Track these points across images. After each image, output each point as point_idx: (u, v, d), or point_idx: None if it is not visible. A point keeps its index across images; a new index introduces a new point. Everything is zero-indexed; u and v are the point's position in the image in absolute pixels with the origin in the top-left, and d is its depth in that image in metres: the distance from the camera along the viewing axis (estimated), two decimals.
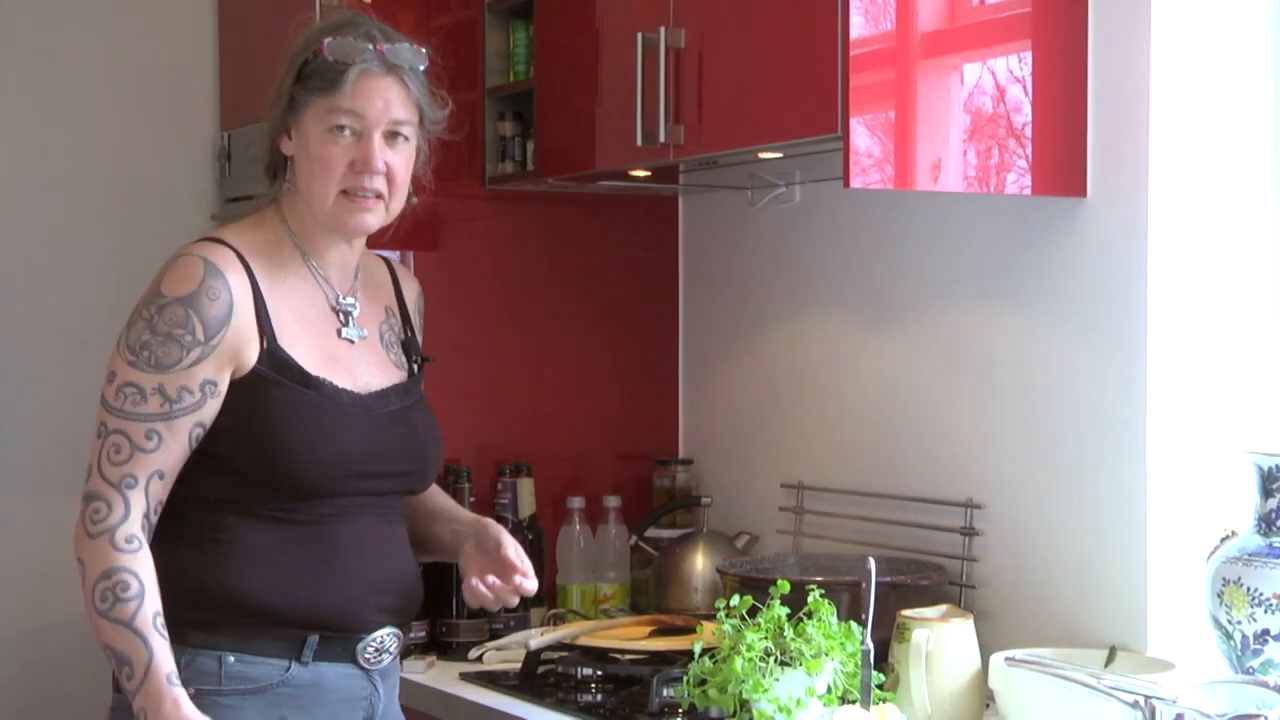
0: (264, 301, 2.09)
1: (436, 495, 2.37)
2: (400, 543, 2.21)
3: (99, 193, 3.60)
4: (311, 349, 2.12)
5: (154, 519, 2.04)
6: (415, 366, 2.28)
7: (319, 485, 2.10)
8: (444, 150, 3.12)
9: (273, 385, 2.08)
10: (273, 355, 2.08)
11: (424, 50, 2.18)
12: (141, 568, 1.99)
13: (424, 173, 2.23)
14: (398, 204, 2.17)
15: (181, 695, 1.97)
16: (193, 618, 2.05)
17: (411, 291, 2.36)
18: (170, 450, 2.03)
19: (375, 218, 2.15)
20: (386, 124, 2.12)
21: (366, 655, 2.14)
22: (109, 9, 3.60)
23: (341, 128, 2.10)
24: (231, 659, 2.07)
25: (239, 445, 2.07)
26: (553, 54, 3.00)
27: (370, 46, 2.11)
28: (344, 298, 2.19)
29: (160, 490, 2.04)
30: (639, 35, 2.66)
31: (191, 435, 2.05)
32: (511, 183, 3.13)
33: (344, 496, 2.12)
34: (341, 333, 2.17)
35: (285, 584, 2.08)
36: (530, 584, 2.17)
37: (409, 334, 2.31)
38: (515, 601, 2.19)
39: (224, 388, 2.06)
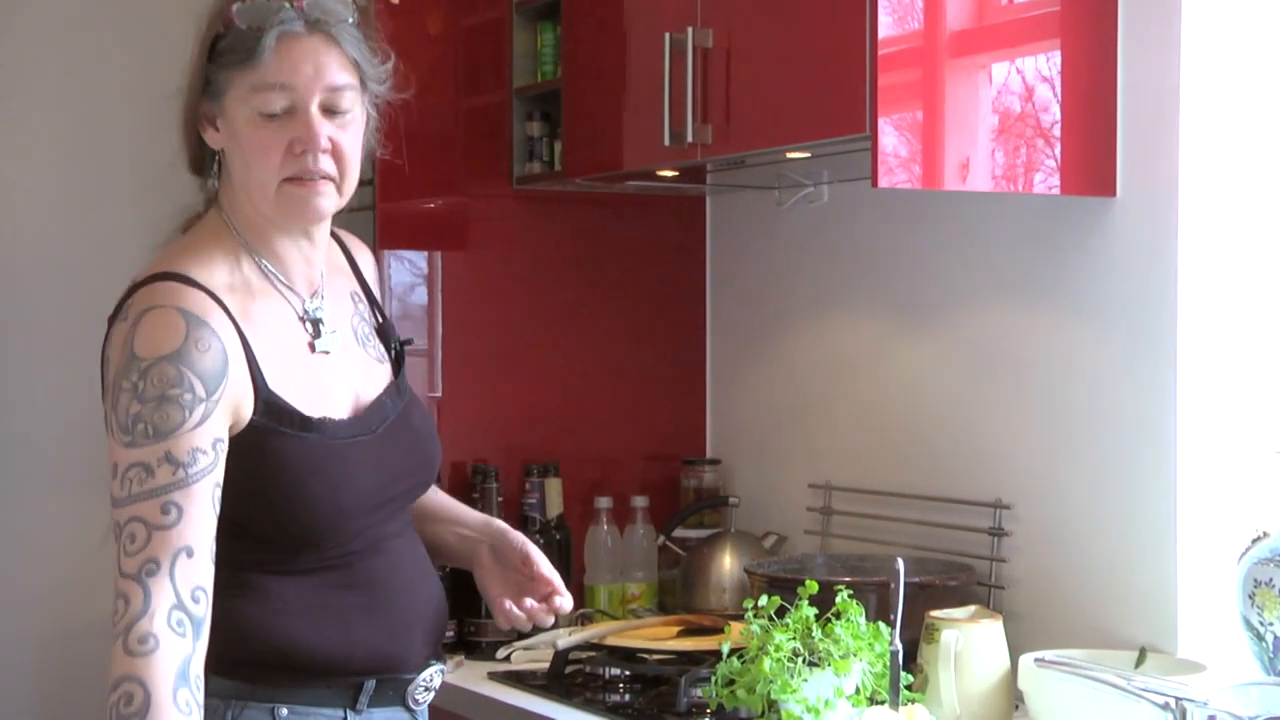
0: (248, 343, 1.85)
1: (433, 493, 2.16)
2: (427, 561, 2.06)
3: (125, 193, 3.61)
4: (297, 382, 1.89)
5: (195, 605, 1.73)
6: (395, 354, 2.07)
7: (344, 530, 1.91)
8: (471, 150, 3.17)
9: (275, 437, 1.85)
10: (269, 404, 1.85)
11: None
12: (154, 672, 1.68)
13: (376, 143, 1.98)
14: (351, 183, 1.91)
15: None
16: (243, 669, 1.87)
17: (368, 265, 2.12)
18: (193, 521, 1.74)
19: (329, 201, 1.88)
20: (322, 91, 1.84)
21: (416, 696, 1.99)
22: (137, 9, 3.62)
23: (271, 106, 1.83)
24: (285, 711, 1.89)
25: (250, 506, 1.85)
26: (580, 54, 3.00)
27: (286, 4, 1.83)
28: (309, 303, 1.95)
29: (194, 571, 1.74)
30: (667, 35, 2.66)
31: (214, 499, 1.77)
32: (539, 183, 3.14)
33: (369, 529, 1.94)
34: (315, 347, 1.94)
35: (340, 632, 1.90)
36: (568, 603, 2.03)
37: (379, 318, 2.09)
38: (550, 622, 2.05)
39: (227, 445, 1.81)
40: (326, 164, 1.86)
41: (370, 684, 1.93)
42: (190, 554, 1.74)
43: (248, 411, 1.84)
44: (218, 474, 1.78)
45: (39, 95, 3.51)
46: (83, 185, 3.57)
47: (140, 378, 1.76)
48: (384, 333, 2.08)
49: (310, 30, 1.85)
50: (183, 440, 1.75)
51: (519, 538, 2.08)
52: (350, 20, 1.88)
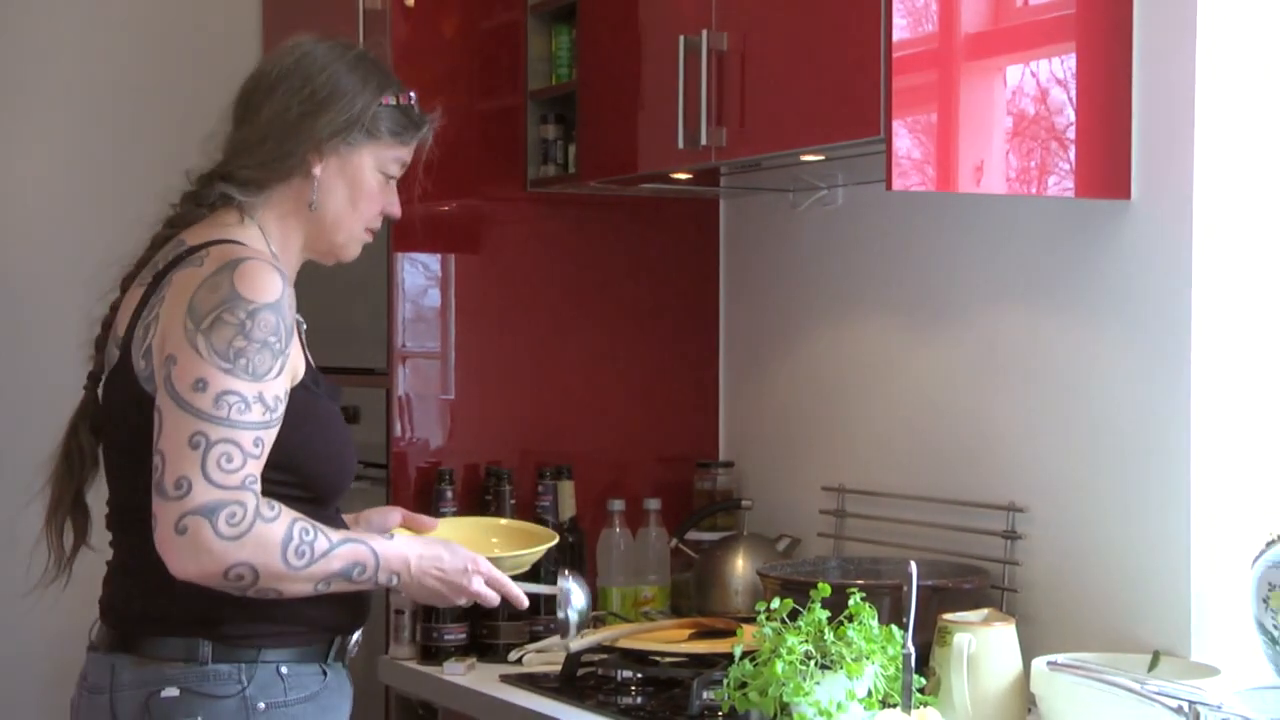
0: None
1: None
2: None
3: (139, 196, 3.62)
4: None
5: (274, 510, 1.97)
6: None
7: (346, 488, 2.13)
8: (486, 153, 3.18)
9: (315, 397, 2.07)
10: (310, 367, 2.09)
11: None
12: (297, 515, 1.95)
13: None
14: None
15: (408, 541, 2.08)
16: (240, 632, 2.02)
17: None
18: (265, 457, 1.96)
19: None
20: None
21: (350, 652, 2.16)
22: (152, 10, 3.63)
23: (393, 173, 2.17)
24: (285, 669, 2.04)
25: (297, 457, 2.02)
26: (595, 57, 3.01)
27: (430, 120, 2.21)
28: None
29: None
30: (681, 38, 2.66)
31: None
32: (553, 185, 3.14)
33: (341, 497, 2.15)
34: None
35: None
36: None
37: None
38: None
39: None
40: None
41: (338, 641, 2.11)
42: (259, 481, 1.95)
43: (300, 371, 2.05)
44: (280, 425, 1.99)
45: (39, 96, 3.52)
46: (99, 191, 3.58)
47: (248, 317, 1.94)
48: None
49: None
50: (271, 386, 1.95)
51: (383, 512, 2.31)
52: None
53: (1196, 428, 2.37)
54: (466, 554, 2.11)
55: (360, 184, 2.14)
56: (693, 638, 2.72)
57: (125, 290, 2.12)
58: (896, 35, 2.29)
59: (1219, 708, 1.95)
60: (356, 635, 2.17)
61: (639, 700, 2.54)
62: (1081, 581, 2.54)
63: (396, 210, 2.20)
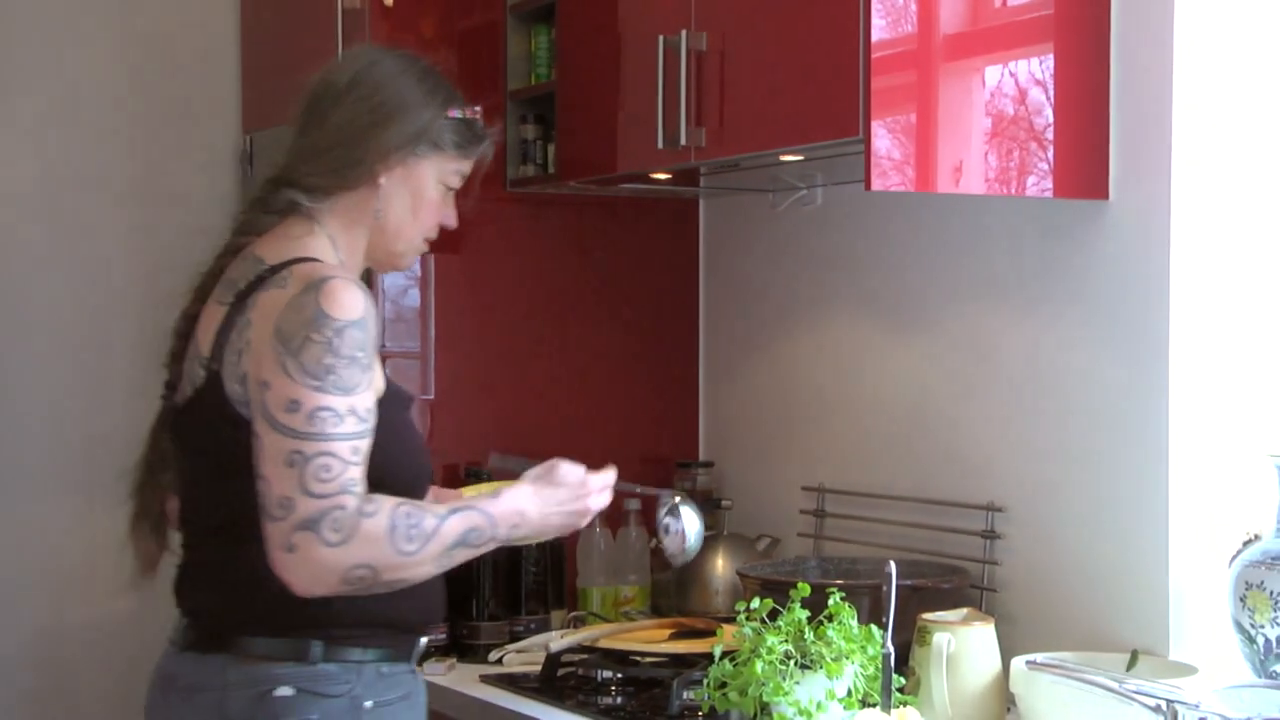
0: None
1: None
2: None
3: (120, 197, 3.61)
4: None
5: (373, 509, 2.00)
6: None
7: (422, 494, 2.17)
8: None
9: (393, 407, 2.10)
10: (386, 378, 2.12)
11: None
12: (400, 501, 1.98)
13: None
14: None
15: (512, 490, 2.10)
16: (346, 633, 2.05)
17: None
18: (364, 466, 1.98)
19: None
20: None
21: (419, 656, 2.18)
22: (130, 11, 3.62)
23: (454, 185, 2.22)
24: (384, 669, 2.09)
25: (381, 467, 2.03)
26: (574, 57, 3.00)
27: (490, 136, 2.27)
28: None
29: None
30: (660, 38, 2.66)
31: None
32: (533, 185, 3.14)
33: None
34: None
35: (414, 590, 2.05)
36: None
37: None
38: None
39: None
40: None
41: (421, 642, 2.17)
42: (361, 483, 1.97)
43: (381, 384, 2.09)
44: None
45: (9, 95, 3.50)
46: (77, 189, 3.57)
47: (335, 335, 1.97)
48: None
49: None
50: (361, 399, 1.98)
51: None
52: None
53: (1175, 427, 2.38)
54: (572, 477, 2.17)
55: (422, 194, 2.18)
56: (673, 638, 2.72)
57: (201, 301, 2.13)
58: (875, 36, 2.30)
59: (1197, 706, 1.95)
60: (426, 638, 2.21)
61: (619, 700, 2.54)
62: (1060, 581, 2.55)
63: (453, 221, 2.24)
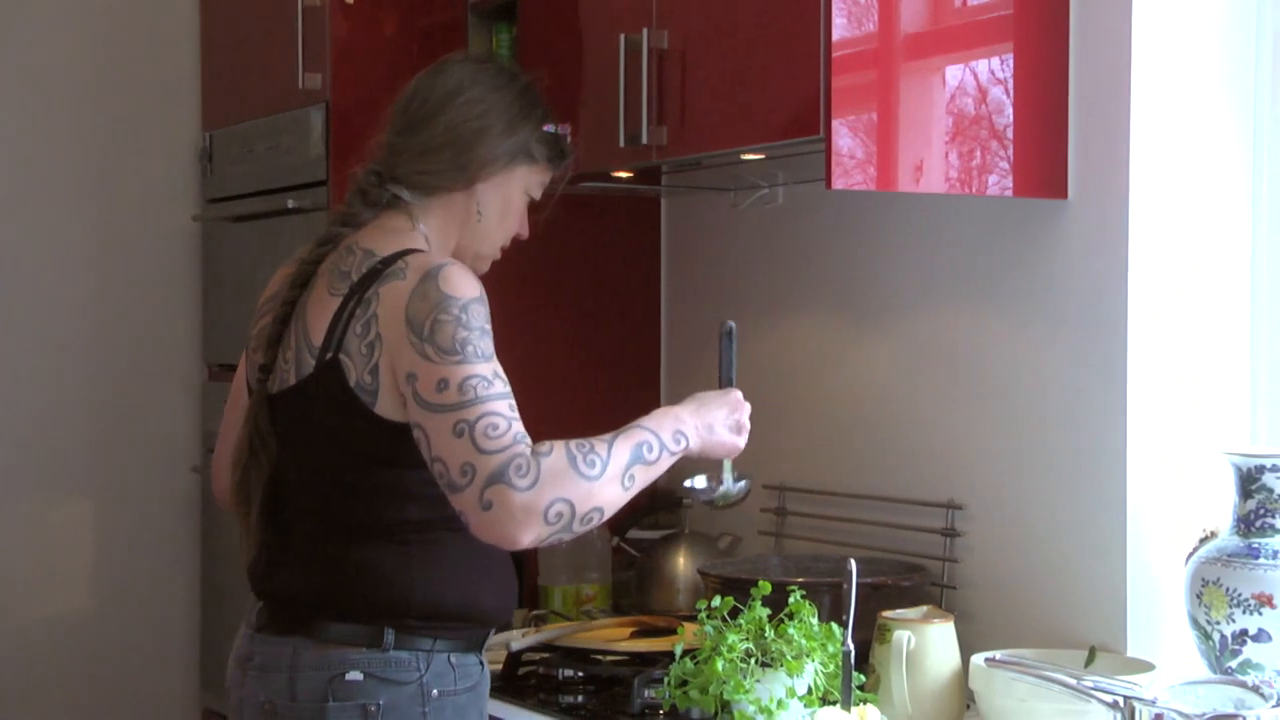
0: None
1: None
2: None
3: (80, 194, 3.60)
4: None
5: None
6: None
7: None
8: None
9: None
10: None
11: None
12: (564, 439, 2.05)
13: None
14: None
15: (661, 409, 2.17)
16: (420, 621, 2.11)
17: None
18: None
19: None
20: None
21: (486, 647, 2.24)
22: (90, 8, 3.60)
23: (536, 195, 2.34)
24: (454, 658, 2.14)
25: None
26: (536, 55, 3.00)
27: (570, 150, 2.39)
28: None
29: None
30: (622, 37, 2.66)
31: None
32: None
33: None
34: None
35: (493, 582, 2.18)
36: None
37: None
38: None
39: None
40: None
41: (490, 634, 2.22)
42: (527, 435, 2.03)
43: None
44: None
45: None
46: (37, 186, 3.55)
47: (461, 311, 2.05)
48: None
49: None
50: (498, 364, 2.06)
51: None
52: None
53: (1132, 425, 2.39)
54: (725, 395, 2.26)
55: (511, 202, 2.29)
56: (634, 636, 2.72)
57: (300, 289, 2.18)
58: (837, 35, 2.30)
59: (1153, 702, 1.96)
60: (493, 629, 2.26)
61: (580, 699, 2.53)
62: (1019, 578, 2.56)
63: (526, 231, 2.35)
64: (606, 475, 2.03)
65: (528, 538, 1.97)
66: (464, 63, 2.29)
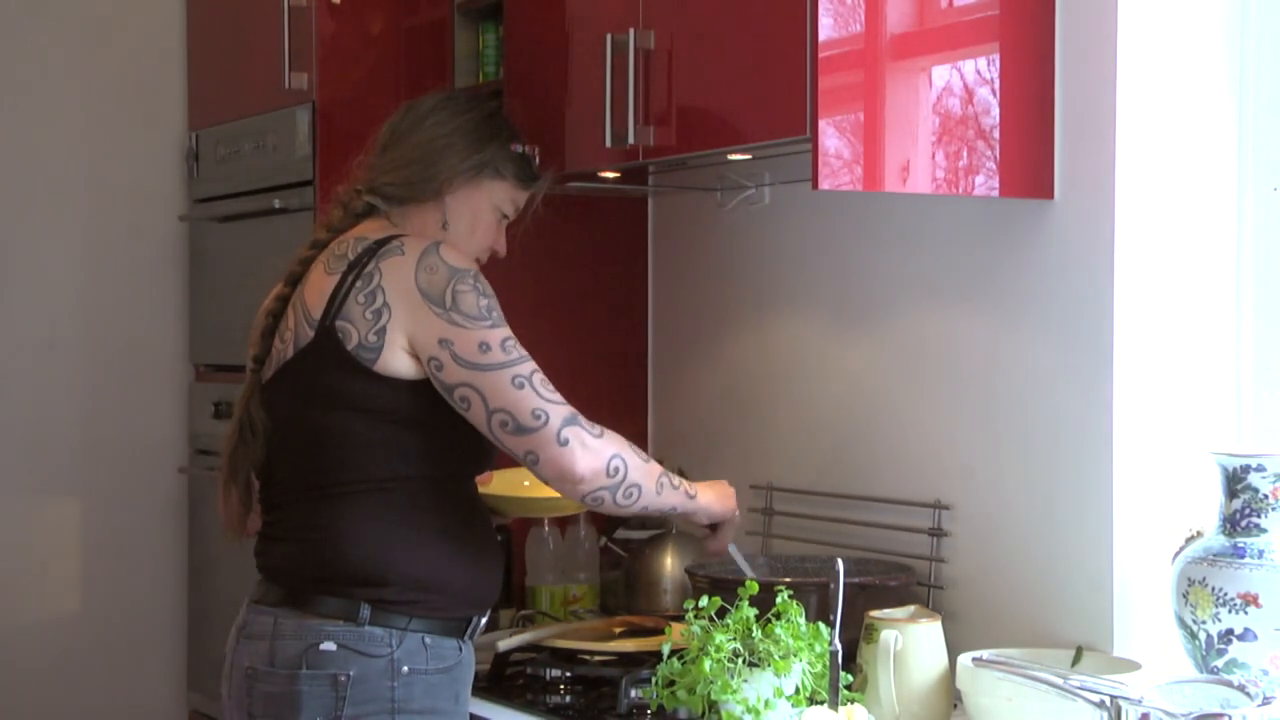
0: None
1: None
2: None
3: (67, 194, 3.59)
4: None
5: None
6: None
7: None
8: None
9: None
10: None
11: None
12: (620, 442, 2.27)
13: None
14: None
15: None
16: (397, 599, 2.23)
17: None
18: None
19: None
20: None
21: (479, 633, 2.37)
22: (77, 8, 3.59)
23: (508, 213, 2.50)
24: (429, 640, 2.26)
25: (455, 414, 2.24)
26: (522, 55, 3.00)
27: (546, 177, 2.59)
28: None
29: None
30: (608, 37, 2.66)
31: None
32: None
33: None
34: None
35: (475, 566, 2.31)
36: None
37: None
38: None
39: None
40: None
41: (474, 620, 2.34)
42: None
43: None
44: None
45: None
46: (23, 186, 3.54)
47: (475, 280, 2.26)
48: None
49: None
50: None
51: None
52: None
53: (1119, 425, 2.40)
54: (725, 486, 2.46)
55: (479, 216, 2.45)
56: (621, 636, 2.72)
57: (292, 286, 2.33)
58: (823, 35, 2.30)
59: (1140, 701, 1.97)
60: (484, 618, 2.37)
61: (567, 699, 2.53)
62: (1006, 578, 2.56)
63: (503, 249, 2.52)
64: (650, 466, 2.27)
65: (591, 478, 2.19)
66: (439, 93, 2.51)
